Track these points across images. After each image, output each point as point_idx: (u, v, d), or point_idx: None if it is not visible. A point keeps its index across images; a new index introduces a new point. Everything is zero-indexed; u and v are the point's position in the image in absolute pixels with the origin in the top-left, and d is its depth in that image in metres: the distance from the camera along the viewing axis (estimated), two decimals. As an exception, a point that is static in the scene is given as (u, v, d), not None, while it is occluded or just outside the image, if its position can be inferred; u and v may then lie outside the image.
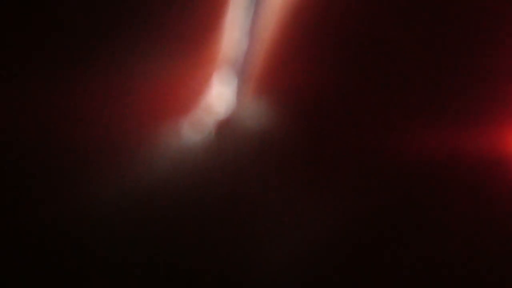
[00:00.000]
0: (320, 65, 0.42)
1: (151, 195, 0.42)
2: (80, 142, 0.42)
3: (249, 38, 0.47)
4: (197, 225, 0.41)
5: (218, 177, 0.42)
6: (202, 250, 0.40)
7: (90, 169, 0.42)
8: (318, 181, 0.41)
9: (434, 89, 0.41)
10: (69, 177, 0.41)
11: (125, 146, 0.43)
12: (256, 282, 0.40)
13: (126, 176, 0.42)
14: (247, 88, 0.45)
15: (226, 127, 0.43)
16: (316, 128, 0.42)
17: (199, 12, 0.42)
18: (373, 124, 0.42)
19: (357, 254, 0.40)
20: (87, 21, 0.40)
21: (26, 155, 0.42)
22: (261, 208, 0.41)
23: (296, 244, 0.41)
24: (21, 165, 0.41)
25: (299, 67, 0.43)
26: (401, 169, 0.41)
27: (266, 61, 0.44)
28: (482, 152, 0.41)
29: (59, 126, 0.42)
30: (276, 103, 0.43)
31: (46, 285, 0.41)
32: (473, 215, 0.40)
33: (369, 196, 0.41)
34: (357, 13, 0.41)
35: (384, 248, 0.40)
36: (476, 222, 0.40)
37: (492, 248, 0.40)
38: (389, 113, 0.42)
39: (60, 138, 0.42)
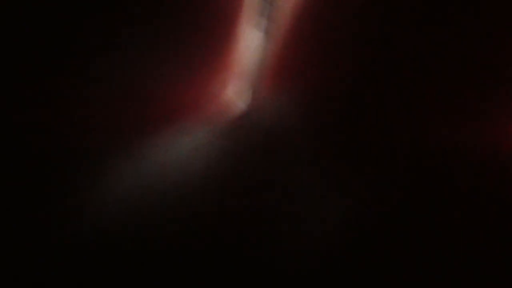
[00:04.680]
0: (332, 65, 0.43)
1: (170, 188, 0.43)
2: (104, 138, 0.43)
3: (263, 41, 0.48)
4: (209, 215, 0.42)
5: (233, 172, 0.43)
6: (215, 239, 0.41)
7: (108, 165, 0.43)
8: (329, 175, 0.42)
9: (445, 84, 0.42)
10: (89, 171, 0.42)
11: (145, 142, 0.44)
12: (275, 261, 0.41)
13: (145, 169, 0.43)
14: (262, 88, 0.46)
15: (241, 125, 0.44)
16: (328, 125, 0.43)
17: (216, 18, 0.43)
18: (384, 120, 0.43)
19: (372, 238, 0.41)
20: (120, 33, 0.41)
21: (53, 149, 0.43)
22: (275, 203, 0.42)
23: (309, 236, 0.41)
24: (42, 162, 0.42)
25: (312, 68, 0.44)
26: (410, 160, 0.42)
27: (280, 62, 0.45)
28: (494, 144, 0.42)
29: (84, 123, 0.43)
30: (289, 102, 0.44)
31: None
32: (480, 194, 0.41)
33: (383, 189, 0.42)
34: (368, 15, 0.42)
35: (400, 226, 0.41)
36: (483, 200, 0.41)
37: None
38: (400, 110, 0.42)
39: (85, 132, 0.43)
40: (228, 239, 0.42)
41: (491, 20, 0.41)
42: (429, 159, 0.42)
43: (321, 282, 0.42)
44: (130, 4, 0.41)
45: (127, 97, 0.43)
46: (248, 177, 0.43)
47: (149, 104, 0.44)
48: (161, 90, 0.44)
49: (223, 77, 0.46)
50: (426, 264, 0.42)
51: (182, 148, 0.44)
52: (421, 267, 0.42)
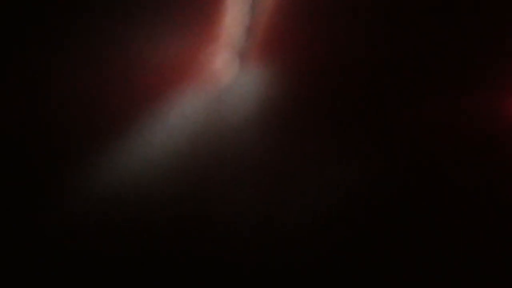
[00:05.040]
0: (317, 36, 0.44)
1: (161, 157, 0.43)
2: (95, 110, 0.43)
3: (251, 13, 0.48)
4: (198, 184, 0.42)
5: (218, 140, 0.43)
6: (202, 207, 0.41)
7: (102, 136, 0.43)
8: (312, 146, 0.42)
9: (434, 59, 0.42)
10: (83, 144, 0.43)
11: (135, 111, 0.44)
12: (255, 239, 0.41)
13: (136, 140, 0.43)
14: (250, 58, 0.47)
15: (229, 95, 0.45)
16: (312, 95, 0.44)
17: None
18: (367, 92, 0.43)
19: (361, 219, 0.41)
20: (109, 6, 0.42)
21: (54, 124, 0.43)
22: (259, 170, 0.42)
23: (293, 204, 0.41)
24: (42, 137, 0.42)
25: (297, 39, 0.44)
26: (393, 132, 0.42)
27: (267, 34, 0.46)
28: (489, 119, 0.42)
29: (73, 98, 0.43)
30: (276, 73, 0.44)
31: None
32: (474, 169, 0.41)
33: (366, 162, 0.42)
34: None
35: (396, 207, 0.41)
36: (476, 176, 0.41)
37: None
38: (387, 82, 0.43)
39: (76, 107, 0.43)
40: (208, 201, 0.42)
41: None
42: (427, 145, 0.42)
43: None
44: None
45: (118, 70, 0.44)
46: (234, 147, 0.43)
47: (138, 76, 0.44)
48: (150, 61, 0.45)
49: (211, 48, 0.46)
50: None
51: (171, 117, 0.45)
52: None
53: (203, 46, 0.46)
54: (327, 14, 0.43)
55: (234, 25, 0.48)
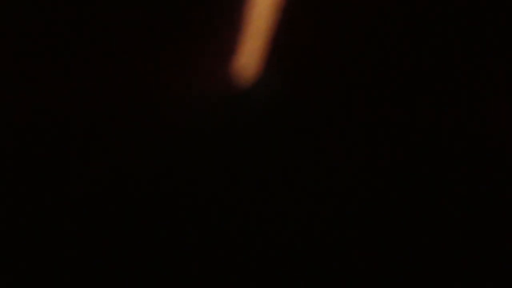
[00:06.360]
0: (325, 42, 0.44)
1: (168, 157, 0.43)
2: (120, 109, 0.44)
3: (264, 24, 0.49)
4: (208, 181, 0.42)
5: (228, 142, 0.44)
6: (213, 200, 0.42)
7: (108, 134, 0.43)
8: (320, 146, 0.43)
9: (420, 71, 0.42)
10: (89, 141, 0.43)
11: (153, 113, 0.44)
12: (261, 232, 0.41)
13: (151, 139, 0.44)
14: (262, 64, 0.47)
15: (240, 98, 0.45)
16: (322, 98, 0.44)
17: (224, 6, 0.44)
18: (371, 98, 0.43)
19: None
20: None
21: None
22: (269, 170, 0.42)
23: (299, 202, 0.42)
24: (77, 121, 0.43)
25: (307, 47, 0.45)
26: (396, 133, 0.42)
27: (278, 41, 0.46)
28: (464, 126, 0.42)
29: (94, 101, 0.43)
30: (287, 77, 0.45)
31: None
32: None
33: (371, 162, 0.42)
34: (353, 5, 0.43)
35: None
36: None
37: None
38: (384, 90, 0.43)
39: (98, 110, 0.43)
40: (216, 196, 0.42)
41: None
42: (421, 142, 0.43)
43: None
44: None
45: (140, 69, 0.44)
46: (243, 148, 0.44)
47: (157, 77, 0.45)
48: (170, 63, 0.45)
49: (226, 53, 0.47)
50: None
51: (185, 115, 0.45)
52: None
53: (217, 51, 0.47)
54: (332, 22, 0.44)
55: (250, 32, 0.48)
